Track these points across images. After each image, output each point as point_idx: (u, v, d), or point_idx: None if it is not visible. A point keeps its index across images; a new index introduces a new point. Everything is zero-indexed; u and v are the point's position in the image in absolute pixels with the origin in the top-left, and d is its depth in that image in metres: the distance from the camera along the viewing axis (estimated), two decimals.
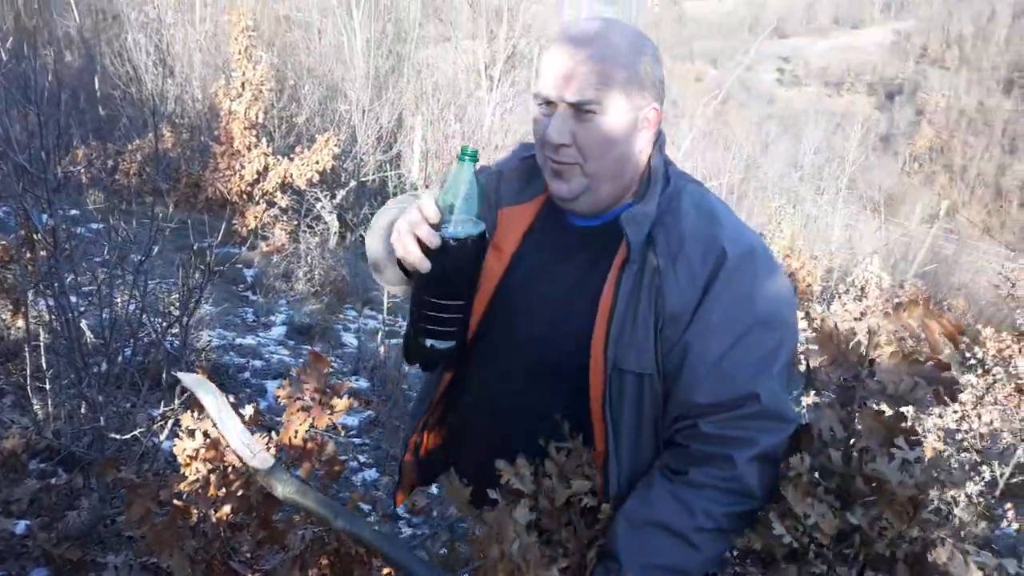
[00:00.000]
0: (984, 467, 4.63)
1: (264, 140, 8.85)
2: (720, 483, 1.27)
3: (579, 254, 1.43)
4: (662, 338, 1.31)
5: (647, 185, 1.38)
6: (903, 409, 1.31)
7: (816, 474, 1.27)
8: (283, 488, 1.49)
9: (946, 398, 1.35)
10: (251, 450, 1.51)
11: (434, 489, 3.51)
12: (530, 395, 1.43)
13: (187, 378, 1.44)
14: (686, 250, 1.31)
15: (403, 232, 1.24)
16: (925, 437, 4.44)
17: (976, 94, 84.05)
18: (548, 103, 1.33)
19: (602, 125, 1.30)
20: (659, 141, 1.41)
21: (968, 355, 5.06)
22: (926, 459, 1.25)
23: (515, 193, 1.52)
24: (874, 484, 1.21)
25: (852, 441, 1.34)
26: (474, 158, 1.22)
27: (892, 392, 1.33)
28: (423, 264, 1.22)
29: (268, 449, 2.10)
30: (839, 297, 7.15)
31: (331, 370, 5.05)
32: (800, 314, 6.25)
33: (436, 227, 1.21)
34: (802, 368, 1.36)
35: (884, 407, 1.37)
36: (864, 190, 36.73)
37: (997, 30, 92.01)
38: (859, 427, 1.35)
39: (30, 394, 2.92)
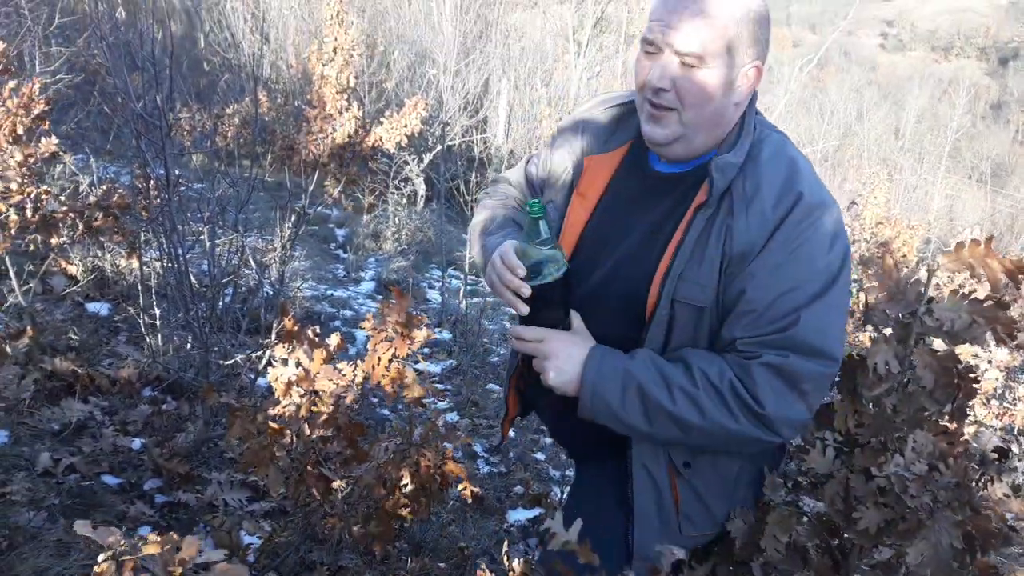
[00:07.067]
0: None
1: (355, 104, 9.08)
2: (730, 366, 1.35)
3: (662, 199, 1.48)
4: (726, 275, 1.37)
5: (738, 136, 1.43)
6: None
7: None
8: None
9: (1004, 337, 1.35)
10: None
11: (512, 433, 3.64)
12: (600, 331, 1.49)
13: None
14: (762, 195, 1.36)
15: (498, 286, 1.42)
16: (984, 372, 4.25)
17: None
18: (654, 46, 1.37)
19: (703, 78, 1.35)
20: (753, 95, 1.46)
21: None
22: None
23: (601, 142, 1.58)
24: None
25: (907, 379, 1.36)
26: (542, 210, 1.37)
27: (949, 330, 1.34)
28: (522, 309, 1.41)
29: (355, 375, 2.24)
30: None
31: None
32: None
33: (525, 278, 1.38)
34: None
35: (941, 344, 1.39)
36: (970, 159, 34.90)
37: None
38: (915, 363, 1.38)
39: (143, 330, 3.19)
